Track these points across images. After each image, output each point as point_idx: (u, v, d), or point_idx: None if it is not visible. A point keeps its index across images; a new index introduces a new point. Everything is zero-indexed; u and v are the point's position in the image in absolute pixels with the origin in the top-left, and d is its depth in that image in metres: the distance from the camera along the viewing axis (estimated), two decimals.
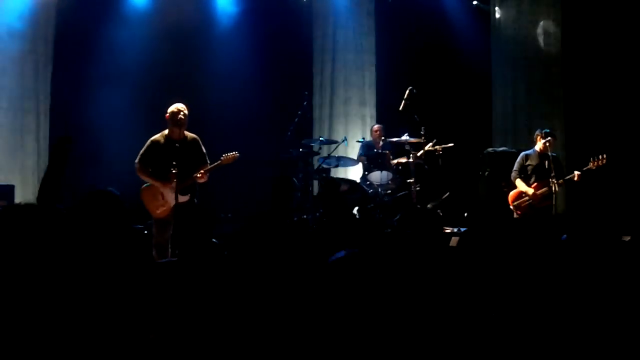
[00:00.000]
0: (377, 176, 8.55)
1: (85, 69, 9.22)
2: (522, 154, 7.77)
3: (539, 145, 7.57)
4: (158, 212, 6.25)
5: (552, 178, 7.26)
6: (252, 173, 9.16)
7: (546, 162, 7.43)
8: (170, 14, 9.72)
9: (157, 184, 6.27)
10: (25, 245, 2.09)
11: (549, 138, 7.54)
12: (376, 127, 9.29)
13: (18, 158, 8.90)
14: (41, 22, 9.03)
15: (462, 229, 7.67)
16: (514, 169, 7.68)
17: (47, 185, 6.82)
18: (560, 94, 9.71)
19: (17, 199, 8.21)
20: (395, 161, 8.61)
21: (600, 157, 7.24)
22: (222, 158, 6.41)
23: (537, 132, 7.72)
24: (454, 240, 6.81)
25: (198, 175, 6.24)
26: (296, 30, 10.26)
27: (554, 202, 7.28)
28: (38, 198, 7.02)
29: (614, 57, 9.19)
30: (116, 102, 8.95)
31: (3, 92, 8.84)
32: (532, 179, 7.52)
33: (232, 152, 6.43)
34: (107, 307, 2.06)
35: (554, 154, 7.68)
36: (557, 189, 7.27)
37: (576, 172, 7.33)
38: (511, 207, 7.58)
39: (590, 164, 7.26)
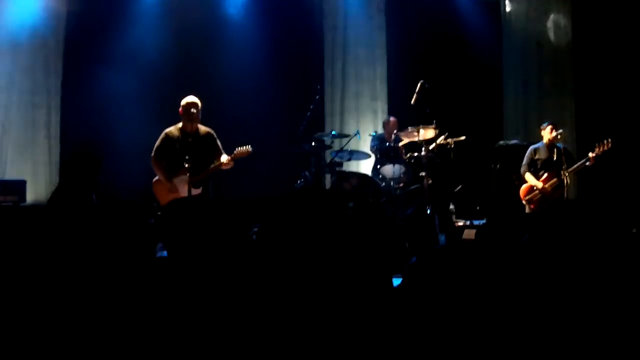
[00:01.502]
0: (389, 170, 8.56)
1: (96, 62, 9.22)
2: (531, 148, 7.83)
3: (546, 138, 7.63)
4: None
5: (563, 169, 7.34)
6: (264, 167, 9.20)
7: (555, 154, 7.49)
8: (182, 9, 9.76)
9: (165, 181, 6.34)
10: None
11: (561, 130, 7.63)
12: (392, 119, 9.27)
13: (29, 153, 8.99)
14: (52, 16, 9.10)
15: (475, 222, 7.72)
16: (523, 163, 7.74)
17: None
18: (571, 87, 9.70)
19: (29, 194, 8.31)
20: (407, 143, 8.60)
21: (605, 141, 7.26)
22: (235, 152, 6.45)
23: (543, 126, 7.80)
24: (467, 233, 6.88)
25: (224, 161, 6.30)
26: (307, 24, 10.27)
27: (565, 193, 7.33)
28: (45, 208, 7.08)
29: (625, 49, 9.17)
30: (128, 96, 8.99)
31: (14, 86, 8.93)
32: (542, 172, 7.56)
33: (244, 146, 6.48)
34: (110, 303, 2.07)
35: (562, 146, 7.73)
36: (568, 181, 7.33)
37: (590, 155, 7.33)
38: (523, 201, 7.61)
39: (597, 149, 7.29)
